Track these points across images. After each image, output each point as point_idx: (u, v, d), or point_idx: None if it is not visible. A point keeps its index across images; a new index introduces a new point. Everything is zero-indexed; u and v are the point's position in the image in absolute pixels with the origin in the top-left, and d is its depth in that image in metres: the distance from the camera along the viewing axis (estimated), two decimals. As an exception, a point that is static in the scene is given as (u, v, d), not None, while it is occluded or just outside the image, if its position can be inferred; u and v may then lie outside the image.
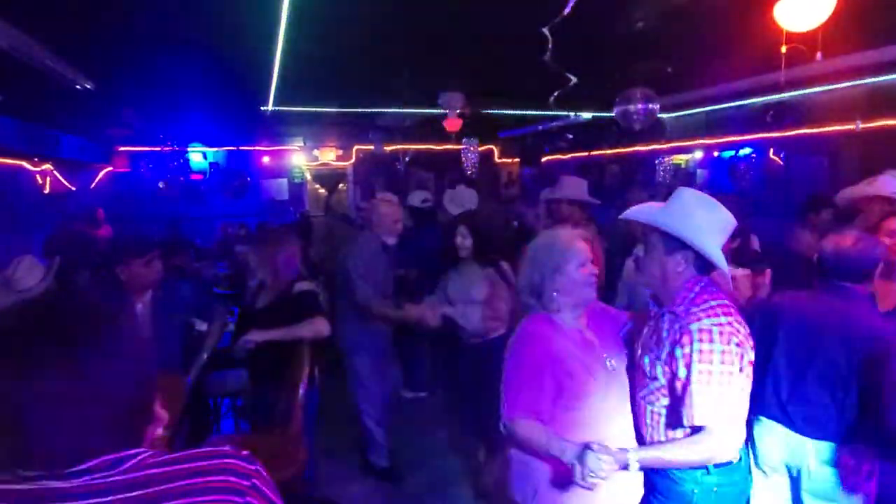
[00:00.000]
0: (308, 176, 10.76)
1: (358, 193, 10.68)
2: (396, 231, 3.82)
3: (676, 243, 1.84)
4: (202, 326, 3.35)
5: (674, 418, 1.83)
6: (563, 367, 1.89)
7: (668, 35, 3.92)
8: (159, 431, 0.95)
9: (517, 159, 11.67)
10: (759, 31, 3.34)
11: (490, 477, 3.34)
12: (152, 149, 9.30)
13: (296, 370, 2.97)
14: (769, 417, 2.35)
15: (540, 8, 3.13)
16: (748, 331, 1.82)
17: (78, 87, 4.64)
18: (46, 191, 7.24)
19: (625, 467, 1.69)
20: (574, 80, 4.47)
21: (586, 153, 10.17)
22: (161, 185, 9.43)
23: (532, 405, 1.86)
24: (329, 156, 10.59)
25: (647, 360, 1.90)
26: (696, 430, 1.76)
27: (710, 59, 5.03)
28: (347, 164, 10.83)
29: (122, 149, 9.36)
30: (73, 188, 8.01)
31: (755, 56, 4.36)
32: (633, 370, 2.00)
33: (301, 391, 2.91)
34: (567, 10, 3.04)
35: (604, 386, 1.93)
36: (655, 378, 1.86)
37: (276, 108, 6.78)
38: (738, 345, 1.73)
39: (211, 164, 10.09)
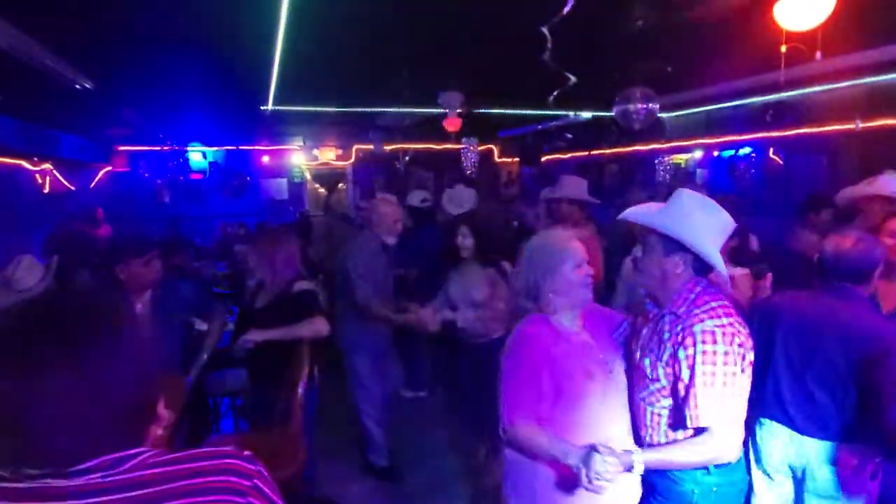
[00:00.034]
0: (308, 175, 10.77)
1: (357, 193, 10.68)
2: (396, 231, 3.82)
3: (675, 245, 1.84)
4: (202, 326, 3.35)
5: (677, 419, 1.84)
6: (562, 369, 1.89)
7: (668, 34, 3.92)
8: (159, 431, 0.95)
9: (517, 159, 11.67)
10: (759, 30, 3.34)
11: (491, 477, 3.34)
12: (152, 148, 9.30)
13: (295, 370, 2.97)
14: (771, 419, 2.35)
15: (539, 7, 3.13)
16: (748, 331, 1.82)
17: (77, 86, 4.64)
18: (46, 190, 7.23)
19: (629, 469, 1.69)
20: (573, 79, 4.46)
21: (586, 153, 10.16)
22: (159, 183, 9.43)
23: (531, 408, 1.85)
24: (329, 155, 10.59)
25: (647, 361, 1.89)
26: (698, 431, 1.76)
27: (710, 58, 5.03)
28: (347, 163, 10.83)
29: (122, 148, 9.36)
30: (73, 188, 8.00)
31: (755, 55, 4.35)
32: (632, 371, 2.00)
33: (300, 391, 2.91)
34: (566, 10, 3.04)
35: (602, 387, 1.93)
36: (657, 379, 1.86)
37: (276, 108, 6.77)
38: (739, 345, 1.74)
39: (210, 163, 10.10)
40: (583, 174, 5.18)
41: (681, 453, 1.78)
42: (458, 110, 5.80)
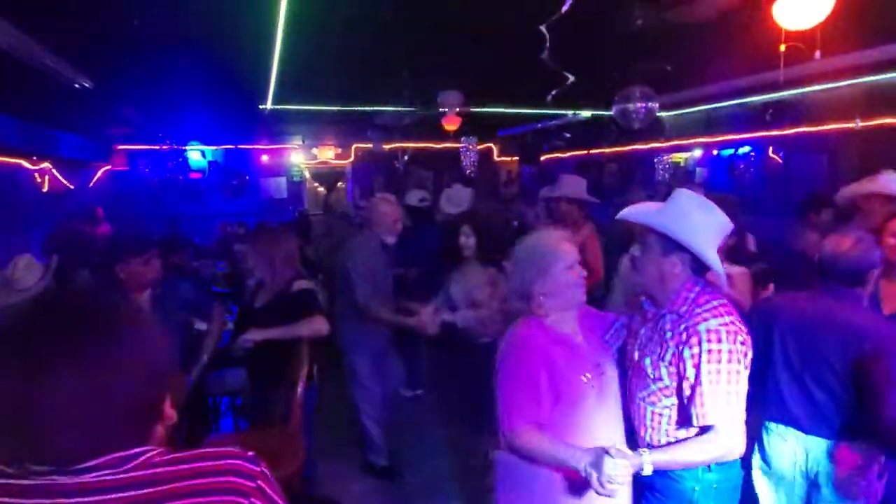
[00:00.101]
0: (307, 174, 10.77)
1: (357, 192, 10.68)
2: (396, 231, 3.82)
3: (673, 245, 1.84)
4: (201, 326, 3.35)
5: (680, 418, 1.84)
6: (559, 372, 1.87)
7: (667, 33, 3.91)
8: (160, 430, 0.96)
9: (516, 158, 11.67)
10: (758, 29, 3.34)
11: (490, 476, 3.33)
12: (151, 147, 9.30)
13: (295, 369, 2.97)
14: (777, 421, 2.35)
15: (538, 6, 3.13)
16: (747, 329, 1.84)
17: (76, 85, 4.63)
18: (45, 189, 7.23)
19: (639, 471, 1.69)
20: (572, 78, 4.47)
21: (585, 151, 10.17)
22: (156, 181, 9.43)
23: (532, 413, 1.83)
24: (328, 154, 10.60)
25: (647, 361, 1.90)
26: (703, 429, 1.77)
27: (709, 57, 5.03)
28: (346, 162, 10.83)
29: (121, 147, 9.36)
30: (72, 187, 8.00)
31: (754, 55, 4.35)
32: (631, 371, 2.00)
33: (300, 390, 2.91)
34: (565, 8, 3.04)
35: (597, 390, 1.92)
36: (659, 379, 1.86)
37: (275, 107, 6.77)
38: (742, 343, 1.76)
39: (210, 162, 10.10)
40: (582, 173, 5.18)
41: (688, 452, 1.78)
42: (457, 109, 5.80)
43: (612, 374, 2.01)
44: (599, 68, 4.87)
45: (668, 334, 1.84)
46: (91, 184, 8.89)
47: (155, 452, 0.88)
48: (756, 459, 2.45)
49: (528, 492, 1.92)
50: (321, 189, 10.81)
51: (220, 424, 4.25)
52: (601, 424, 1.93)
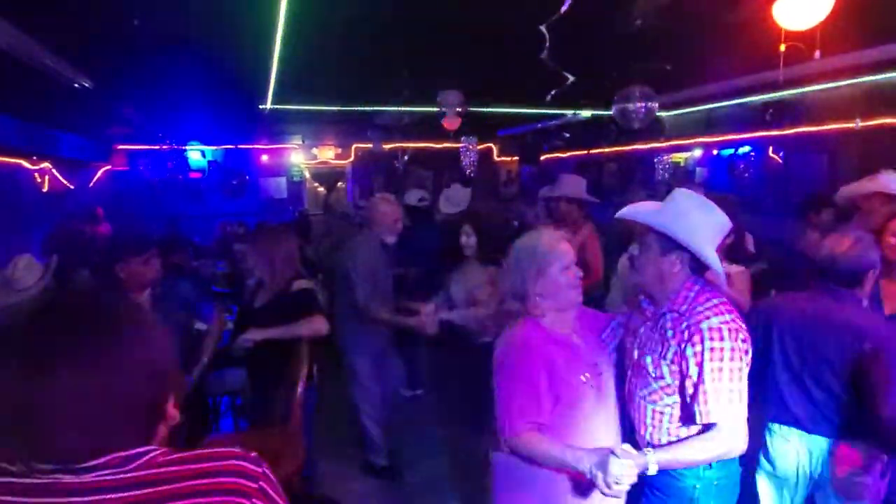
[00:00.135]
0: (307, 174, 10.76)
1: (357, 192, 10.68)
2: (396, 230, 3.82)
3: (672, 244, 1.85)
4: (201, 325, 3.35)
5: (683, 416, 1.85)
6: (558, 373, 1.87)
7: (667, 33, 3.92)
8: (164, 430, 0.96)
9: (516, 157, 11.67)
10: (758, 29, 3.34)
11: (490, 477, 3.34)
12: (151, 147, 9.30)
13: (295, 368, 2.97)
14: (780, 422, 2.36)
15: (538, 6, 3.13)
16: (746, 327, 1.84)
17: (76, 85, 4.64)
18: (45, 189, 7.22)
19: (644, 470, 1.69)
20: (572, 78, 4.47)
21: (585, 151, 10.17)
22: (154, 181, 9.44)
23: (532, 415, 1.82)
24: (328, 154, 10.59)
25: (648, 359, 1.90)
26: (706, 427, 1.78)
27: (709, 57, 5.03)
28: (346, 162, 10.83)
29: (121, 147, 9.35)
30: (72, 187, 8.00)
31: (754, 54, 4.35)
32: (631, 370, 2.00)
33: (300, 389, 2.91)
34: (564, 8, 3.04)
35: (595, 390, 1.92)
36: (660, 377, 1.86)
37: (275, 107, 6.77)
38: (743, 341, 1.78)
39: (210, 162, 10.10)
40: (582, 173, 5.18)
41: (692, 451, 1.78)
42: (457, 109, 5.80)
43: (609, 373, 2.01)
44: (599, 68, 4.87)
45: (670, 333, 1.84)
46: (91, 184, 8.89)
47: (158, 452, 0.88)
48: (760, 460, 2.46)
49: (527, 493, 1.92)
50: (321, 189, 10.81)
51: (219, 424, 4.25)
52: (600, 425, 1.93)
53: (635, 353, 1.98)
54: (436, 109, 5.76)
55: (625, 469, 1.60)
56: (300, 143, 10.40)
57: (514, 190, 11.61)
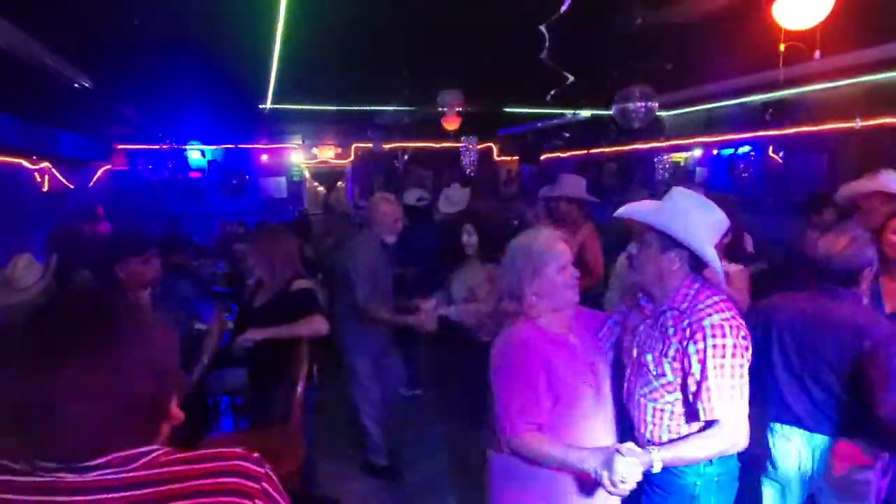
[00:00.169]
0: (307, 174, 10.76)
1: (357, 191, 10.68)
2: (397, 230, 3.82)
3: (671, 242, 1.85)
4: (201, 325, 3.35)
5: (686, 413, 1.86)
6: (557, 373, 1.87)
7: (667, 33, 3.92)
8: (167, 429, 0.96)
9: (516, 157, 11.67)
10: (758, 28, 3.34)
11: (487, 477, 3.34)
12: (151, 147, 9.30)
13: (295, 368, 2.97)
14: (781, 422, 2.36)
15: (538, 6, 3.13)
16: (745, 324, 1.85)
17: (76, 85, 4.64)
18: (45, 189, 7.23)
19: (649, 468, 1.69)
20: (571, 78, 4.47)
21: (585, 151, 10.17)
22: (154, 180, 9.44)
23: (533, 416, 1.82)
24: (328, 154, 10.59)
25: (649, 357, 1.90)
26: (709, 423, 1.79)
27: (709, 56, 5.03)
28: (346, 162, 10.83)
29: (121, 147, 9.36)
30: (72, 186, 8.00)
31: (754, 54, 4.35)
32: (630, 369, 2.00)
33: (300, 389, 2.91)
34: (564, 8, 3.04)
35: (593, 390, 1.92)
36: (662, 375, 1.87)
37: (275, 106, 6.77)
38: (744, 338, 1.79)
39: (209, 161, 10.10)
40: (582, 173, 5.18)
41: (695, 447, 1.79)
42: (457, 109, 5.80)
43: (606, 373, 2.01)
44: (599, 68, 4.87)
45: (671, 330, 1.85)
46: (91, 183, 8.90)
47: (161, 452, 0.88)
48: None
49: (526, 493, 1.92)
50: (321, 188, 10.81)
51: (219, 424, 4.25)
52: (598, 424, 1.93)
53: (634, 352, 1.98)
54: (436, 109, 5.76)
55: (630, 467, 1.61)
56: (300, 142, 10.41)
57: (514, 189, 11.63)
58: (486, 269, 3.28)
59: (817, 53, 3.03)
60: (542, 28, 3.38)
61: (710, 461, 1.83)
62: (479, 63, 4.93)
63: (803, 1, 2.67)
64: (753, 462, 2.75)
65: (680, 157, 8.75)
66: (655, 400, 1.91)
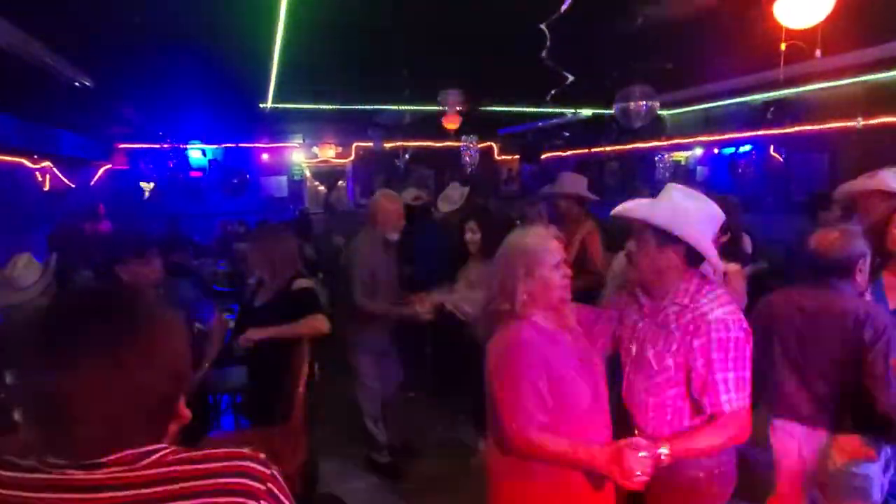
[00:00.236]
0: (307, 173, 10.76)
1: (357, 191, 10.68)
2: (399, 227, 3.81)
3: (669, 237, 1.86)
4: (202, 325, 3.36)
5: (690, 407, 1.87)
6: (556, 372, 1.86)
7: (667, 32, 3.92)
8: (174, 428, 0.96)
9: (517, 156, 11.67)
10: (759, 28, 3.34)
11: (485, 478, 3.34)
12: (151, 146, 9.31)
13: (296, 367, 2.97)
14: (782, 417, 2.37)
15: (538, 6, 3.13)
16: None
17: (77, 84, 4.64)
18: (46, 188, 7.24)
19: (658, 461, 1.69)
20: (572, 77, 4.47)
21: (586, 150, 10.17)
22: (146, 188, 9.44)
23: (538, 416, 1.81)
24: (328, 153, 10.58)
25: (650, 353, 1.91)
26: (712, 416, 1.80)
27: (710, 56, 5.03)
28: (347, 161, 10.83)
29: (122, 146, 9.36)
30: (73, 185, 8.01)
31: (755, 53, 4.35)
32: (631, 365, 2.00)
33: (301, 388, 2.91)
34: (564, 7, 3.04)
35: (591, 388, 1.92)
36: (665, 370, 1.88)
37: (275, 106, 6.78)
38: (746, 331, 1.81)
39: (210, 161, 10.09)
40: (583, 172, 5.17)
41: (702, 440, 1.80)
42: (457, 108, 5.80)
43: (602, 369, 2.01)
44: (599, 67, 4.87)
45: (673, 325, 1.86)
46: (92, 182, 8.90)
47: (168, 451, 0.89)
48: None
49: (526, 493, 1.91)
50: (322, 188, 10.81)
51: (220, 422, 4.26)
52: (596, 420, 1.93)
53: (634, 348, 1.98)
54: (437, 108, 5.77)
55: (640, 462, 1.62)
56: (301, 141, 10.41)
57: (514, 188, 11.63)
58: (487, 265, 3.29)
59: (818, 52, 3.04)
60: (543, 28, 3.38)
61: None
62: (479, 63, 4.93)
63: (804, 0, 2.67)
64: (755, 457, 2.77)
65: (681, 156, 8.75)
66: (657, 395, 1.91)
